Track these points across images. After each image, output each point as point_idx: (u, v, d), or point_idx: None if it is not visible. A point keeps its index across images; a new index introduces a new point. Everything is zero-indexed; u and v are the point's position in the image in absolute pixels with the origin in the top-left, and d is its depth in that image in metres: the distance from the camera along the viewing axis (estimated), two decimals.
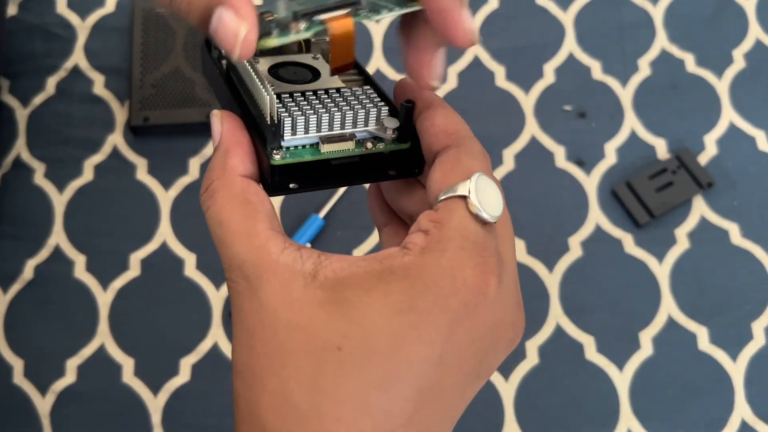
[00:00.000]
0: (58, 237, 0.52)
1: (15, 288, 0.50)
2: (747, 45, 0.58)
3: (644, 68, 0.57)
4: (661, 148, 0.55)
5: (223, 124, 0.26)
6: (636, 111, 0.56)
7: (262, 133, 0.26)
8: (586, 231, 0.53)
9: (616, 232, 0.53)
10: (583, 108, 0.56)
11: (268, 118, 0.25)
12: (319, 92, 0.26)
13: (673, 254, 0.52)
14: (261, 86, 0.26)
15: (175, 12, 0.24)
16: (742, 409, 0.49)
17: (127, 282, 0.51)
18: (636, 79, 0.57)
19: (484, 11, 0.59)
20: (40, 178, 0.53)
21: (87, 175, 0.53)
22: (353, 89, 0.27)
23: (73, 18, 0.58)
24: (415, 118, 0.26)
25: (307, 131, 0.26)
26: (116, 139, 0.54)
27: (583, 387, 0.49)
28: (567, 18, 0.59)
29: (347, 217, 0.53)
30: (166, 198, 0.53)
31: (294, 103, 0.26)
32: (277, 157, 0.25)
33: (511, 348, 0.24)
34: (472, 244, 0.22)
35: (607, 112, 0.56)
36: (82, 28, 0.57)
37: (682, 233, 0.53)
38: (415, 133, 0.26)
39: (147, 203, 0.53)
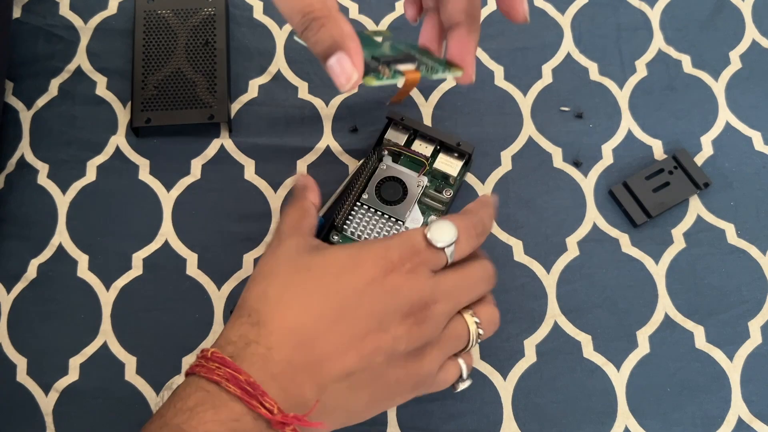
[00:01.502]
0: (61, 237, 0.52)
1: (18, 287, 0.51)
2: (743, 46, 0.59)
3: (641, 69, 0.58)
4: (658, 149, 0.56)
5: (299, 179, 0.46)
6: (633, 112, 0.57)
7: (337, 214, 0.48)
8: (583, 231, 0.53)
9: (614, 232, 0.53)
10: (580, 109, 0.56)
11: (340, 219, 0.48)
12: (386, 215, 0.48)
13: (670, 254, 0.53)
14: (351, 199, 0.48)
15: (304, 40, 0.34)
16: (738, 408, 0.50)
17: (129, 281, 0.51)
18: (633, 80, 0.58)
19: (483, 12, 0.59)
20: (43, 179, 0.54)
21: (90, 175, 0.54)
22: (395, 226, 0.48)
23: (75, 20, 0.58)
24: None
25: (353, 236, 0.49)
26: (119, 140, 0.55)
27: (580, 385, 0.50)
28: (565, 20, 0.59)
29: None
30: (168, 198, 0.54)
31: (361, 217, 0.48)
32: (335, 239, 0.48)
33: (410, 325, 0.36)
34: (409, 246, 0.37)
35: (604, 113, 0.57)
36: (85, 30, 0.58)
37: (678, 233, 0.53)
38: None
39: (149, 203, 0.53)
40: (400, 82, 0.37)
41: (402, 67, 0.36)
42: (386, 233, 0.47)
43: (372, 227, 0.49)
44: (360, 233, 0.48)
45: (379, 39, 0.42)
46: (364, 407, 0.36)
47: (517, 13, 0.37)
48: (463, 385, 0.42)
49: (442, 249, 0.37)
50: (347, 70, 0.33)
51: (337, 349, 0.33)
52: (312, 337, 0.33)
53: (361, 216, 0.50)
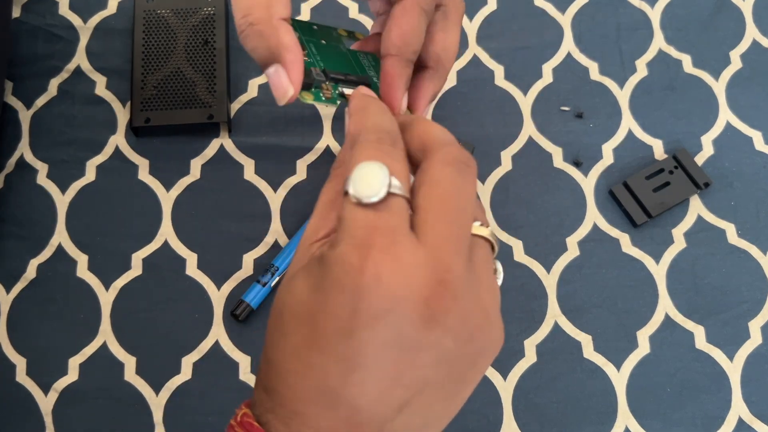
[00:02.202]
0: (60, 236, 0.52)
1: (18, 287, 0.51)
2: (744, 46, 0.59)
3: (641, 69, 0.58)
4: (658, 149, 0.56)
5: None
6: (633, 111, 0.57)
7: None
8: (583, 231, 0.53)
9: (614, 231, 0.53)
10: (580, 108, 0.56)
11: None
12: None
13: (670, 254, 0.53)
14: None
15: (242, 44, 0.32)
16: (739, 408, 0.49)
17: (128, 281, 0.51)
18: (633, 80, 0.57)
19: (483, 12, 0.59)
20: (42, 179, 0.54)
21: (89, 175, 0.54)
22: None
23: (75, 20, 0.58)
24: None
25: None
26: (118, 140, 0.55)
27: (580, 385, 0.50)
28: (565, 19, 0.59)
29: None
30: (167, 198, 0.53)
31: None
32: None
33: (436, 317, 0.25)
34: (361, 230, 0.25)
35: (604, 113, 0.56)
36: (84, 29, 0.58)
37: (679, 233, 0.53)
38: None
39: (149, 203, 0.53)
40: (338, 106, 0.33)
41: (348, 90, 0.32)
42: None
43: None
44: None
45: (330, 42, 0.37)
46: (445, 411, 0.28)
47: (390, 107, 0.33)
48: (500, 279, 0.32)
49: (392, 195, 0.26)
50: (282, 85, 0.30)
51: (369, 399, 0.25)
52: (332, 394, 0.26)
53: None
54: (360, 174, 0.26)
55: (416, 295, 0.25)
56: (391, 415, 0.26)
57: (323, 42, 0.35)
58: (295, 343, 0.26)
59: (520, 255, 0.52)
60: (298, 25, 0.36)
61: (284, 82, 0.30)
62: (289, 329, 0.26)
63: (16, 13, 0.58)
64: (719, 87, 0.57)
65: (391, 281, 0.24)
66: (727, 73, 0.58)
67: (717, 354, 0.51)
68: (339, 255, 0.25)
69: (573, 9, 0.60)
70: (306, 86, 0.31)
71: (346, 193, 0.26)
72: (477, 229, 0.28)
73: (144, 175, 0.54)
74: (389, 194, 0.26)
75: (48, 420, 0.48)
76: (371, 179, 0.25)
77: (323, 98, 0.31)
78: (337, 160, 0.30)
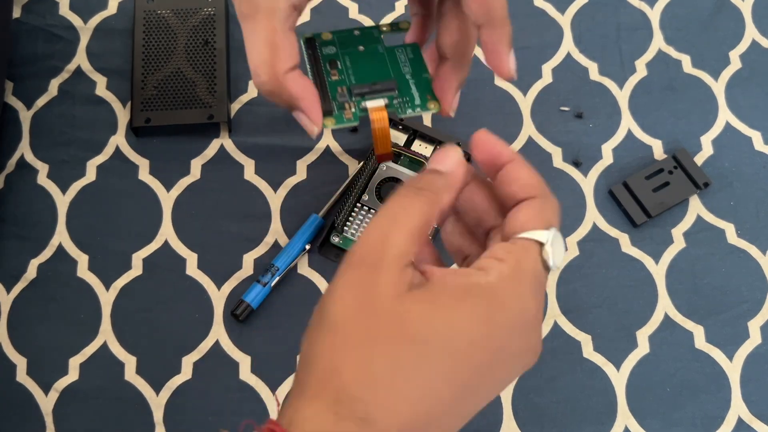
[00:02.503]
0: (61, 237, 0.52)
1: (18, 287, 0.51)
2: (743, 46, 0.59)
3: (641, 69, 0.58)
4: (658, 149, 0.56)
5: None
6: (633, 112, 0.57)
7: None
8: (583, 231, 0.53)
9: (613, 231, 0.53)
10: (580, 109, 0.56)
11: (340, 220, 0.41)
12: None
13: (670, 254, 0.53)
14: (351, 200, 0.42)
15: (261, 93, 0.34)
16: (738, 408, 0.50)
17: (129, 281, 0.51)
18: (633, 80, 0.57)
19: None
20: (43, 179, 0.54)
21: (90, 175, 0.54)
22: None
23: (75, 20, 0.58)
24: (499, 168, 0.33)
25: (353, 237, 0.43)
26: (118, 140, 0.55)
27: (580, 385, 0.50)
28: (565, 19, 0.59)
29: None
30: (167, 198, 0.53)
31: (362, 218, 0.43)
32: (335, 240, 0.41)
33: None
34: (538, 284, 0.28)
35: (604, 113, 0.57)
36: (85, 30, 0.58)
37: (678, 233, 0.53)
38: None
39: (149, 203, 0.53)
40: (364, 113, 0.35)
41: (370, 103, 0.34)
42: None
43: None
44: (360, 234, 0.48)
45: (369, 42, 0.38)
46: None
47: (502, 72, 0.37)
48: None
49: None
50: (307, 127, 0.34)
51: (449, 428, 0.28)
52: (424, 424, 0.26)
53: (361, 217, 0.51)
54: (557, 240, 0.29)
55: (536, 337, 0.29)
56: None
57: (361, 48, 0.37)
58: (442, 375, 0.26)
59: None
60: (337, 38, 0.37)
61: (307, 123, 0.34)
62: (437, 357, 0.26)
63: (16, 13, 0.58)
64: (719, 87, 0.57)
65: (538, 340, 0.29)
66: (726, 73, 0.58)
67: (716, 354, 0.51)
68: (518, 298, 0.27)
69: (573, 9, 0.60)
70: (327, 113, 0.34)
71: (538, 242, 0.28)
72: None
73: (144, 175, 0.54)
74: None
75: (48, 420, 0.48)
76: (561, 251, 0.29)
77: (345, 119, 0.34)
78: (420, 179, 0.31)
